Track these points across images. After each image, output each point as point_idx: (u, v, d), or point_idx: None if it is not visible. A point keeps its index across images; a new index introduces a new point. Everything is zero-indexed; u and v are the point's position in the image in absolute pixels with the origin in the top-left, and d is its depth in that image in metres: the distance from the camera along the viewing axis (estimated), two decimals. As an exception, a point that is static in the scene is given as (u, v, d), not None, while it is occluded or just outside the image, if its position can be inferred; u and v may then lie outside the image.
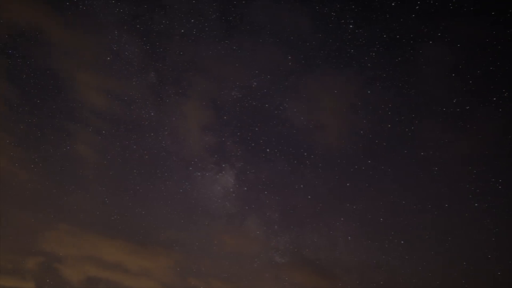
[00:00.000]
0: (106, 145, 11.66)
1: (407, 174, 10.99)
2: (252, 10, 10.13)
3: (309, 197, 11.67)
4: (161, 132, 11.53)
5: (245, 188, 11.95)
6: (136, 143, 11.68)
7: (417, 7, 9.14)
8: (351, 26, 9.80)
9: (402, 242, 11.10)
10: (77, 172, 11.92)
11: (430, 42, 9.35)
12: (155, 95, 11.25)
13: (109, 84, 11.11)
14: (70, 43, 10.58)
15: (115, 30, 10.43)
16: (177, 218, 12.34)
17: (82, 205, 12.05)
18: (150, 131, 11.51)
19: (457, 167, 10.59)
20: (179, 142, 11.72)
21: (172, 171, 11.99)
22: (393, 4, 9.30)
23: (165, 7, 10.14)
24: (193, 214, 12.44)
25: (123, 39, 10.53)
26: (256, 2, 10.06)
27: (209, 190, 12.20)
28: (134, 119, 11.33)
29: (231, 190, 12.02)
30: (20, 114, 11.02)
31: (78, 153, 11.68)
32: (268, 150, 11.41)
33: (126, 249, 12.43)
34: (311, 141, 11.20)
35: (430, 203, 10.84)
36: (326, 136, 11.19)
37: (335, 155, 11.16)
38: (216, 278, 12.37)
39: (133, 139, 11.58)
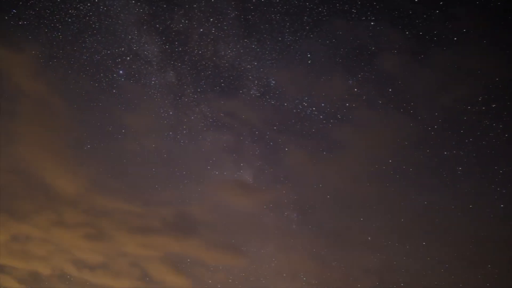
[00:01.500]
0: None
1: (429, 174, 10.77)
2: (271, 8, 10.07)
3: (328, 196, 11.56)
4: (180, 131, 11.59)
5: (263, 187, 11.91)
6: (155, 142, 11.79)
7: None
8: (372, 23, 9.64)
9: (424, 243, 10.89)
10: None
11: (455, 39, 9.12)
12: (173, 94, 11.32)
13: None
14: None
15: (134, 30, 10.55)
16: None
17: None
18: (169, 130, 11.60)
19: (482, 167, 10.32)
20: (197, 141, 11.76)
21: (190, 170, 12.04)
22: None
23: (184, 7, 10.18)
24: (211, 213, 12.49)
25: (143, 39, 10.63)
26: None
27: (227, 189, 12.21)
28: (153, 118, 11.42)
29: (249, 189, 12.00)
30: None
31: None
32: (286, 149, 11.34)
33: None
34: (330, 139, 11.07)
35: (453, 204, 10.59)
36: (346, 135, 11.04)
37: (355, 154, 11.02)
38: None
39: (152, 138, 11.69)
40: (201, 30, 10.39)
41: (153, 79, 11.01)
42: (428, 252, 10.96)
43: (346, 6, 9.55)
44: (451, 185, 10.52)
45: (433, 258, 10.93)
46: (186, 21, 10.34)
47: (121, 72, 10.82)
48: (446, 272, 10.79)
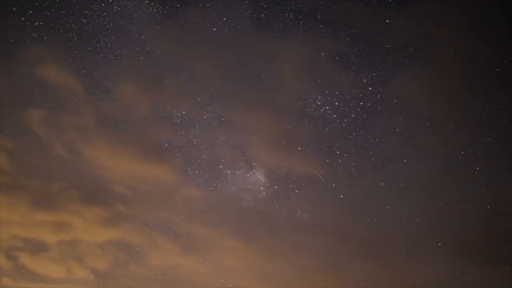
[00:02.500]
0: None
1: (444, 174, 10.61)
2: (284, 6, 10.04)
3: (341, 196, 11.44)
4: (192, 130, 11.59)
5: (276, 187, 11.86)
6: (167, 142, 11.79)
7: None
8: (387, 21, 9.53)
9: (440, 244, 10.71)
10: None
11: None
12: (186, 94, 11.33)
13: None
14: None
15: (148, 30, 10.60)
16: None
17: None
18: (182, 129, 11.61)
19: (499, 167, 10.13)
20: (210, 140, 11.75)
21: (202, 169, 12.04)
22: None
23: (197, 6, 10.18)
24: (223, 212, 12.47)
25: (156, 39, 10.68)
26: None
27: (239, 189, 12.19)
28: (166, 117, 11.45)
29: (262, 188, 11.95)
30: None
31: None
32: (299, 148, 11.27)
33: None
34: (344, 139, 10.97)
35: (470, 204, 10.42)
36: (359, 135, 10.92)
37: (369, 154, 10.90)
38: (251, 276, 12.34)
39: (164, 137, 11.70)
40: (214, 29, 10.41)
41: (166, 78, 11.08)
42: (443, 253, 10.74)
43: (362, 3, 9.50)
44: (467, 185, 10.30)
45: (448, 259, 10.73)
46: (199, 21, 10.35)
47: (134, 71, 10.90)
48: (462, 274, 10.57)
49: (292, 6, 9.99)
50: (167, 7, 10.29)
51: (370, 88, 10.26)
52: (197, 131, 11.51)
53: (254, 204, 11.96)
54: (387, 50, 9.84)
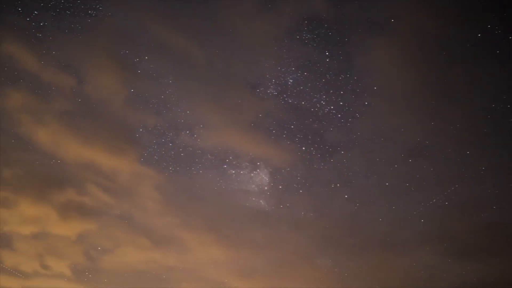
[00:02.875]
0: (142, 143, 11.87)
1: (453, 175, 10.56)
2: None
3: (346, 196, 11.44)
4: (197, 129, 11.60)
5: (280, 187, 11.85)
6: (171, 141, 11.80)
7: None
8: (392, 20, 9.48)
9: (445, 245, 10.69)
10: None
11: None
12: (191, 93, 11.32)
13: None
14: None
15: (153, 29, 10.56)
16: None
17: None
18: (186, 129, 11.61)
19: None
20: (214, 139, 11.75)
21: (206, 169, 12.05)
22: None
23: (204, 4, 10.13)
24: (227, 212, 12.48)
25: (161, 38, 10.66)
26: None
27: (244, 188, 12.19)
28: (170, 117, 11.45)
29: (266, 188, 11.96)
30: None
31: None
32: (304, 148, 11.25)
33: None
34: (348, 139, 10.95)
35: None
36: (364, 134, 10.89)
37: (375, 153, 10.87)
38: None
39: (169, 137, 11.71)
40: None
41: (170, 78, 11.07)
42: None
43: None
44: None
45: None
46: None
47: (138, 71, 10.89)
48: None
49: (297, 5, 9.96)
50: (172, 5, 10.27)
51: (375, 88, 10.23)
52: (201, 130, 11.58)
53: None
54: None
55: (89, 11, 10.04)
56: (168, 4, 10.20)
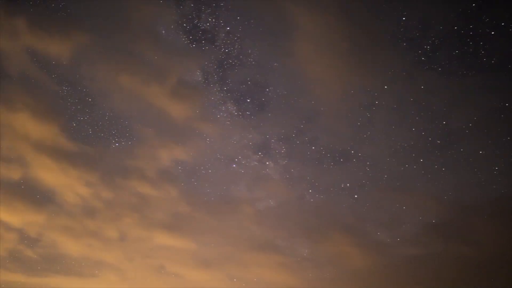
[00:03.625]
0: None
1: (460, 174, 10.43)
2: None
3: (356, 196, 11.37)
4: (206, 129, 11.62)
5: (289, 186, 11.83)
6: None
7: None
8: (403, 19, 9.36)
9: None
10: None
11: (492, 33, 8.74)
12: (200, 93, 11.35)
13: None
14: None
15: (162, 30, 10.62)
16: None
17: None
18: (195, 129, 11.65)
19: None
20: (223, 139, 11.76)
21: (216, 168, 12.08)
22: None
23: (211, 6, 10.15)
24: (235, 211, 12.50)
25: (170, 38, 10.70)
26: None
27: (253, 188, 12.20)
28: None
29: (275, 188, 11.94)
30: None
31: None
32: (313, 147, 11.21)
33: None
34: (358, 138, 10.88)
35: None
36: (374, 133, 10.80)
37: (384, 153, 10.78)
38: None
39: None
40: (228, 28, 10.36)
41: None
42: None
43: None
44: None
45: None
46: (213, 20, 10.32)
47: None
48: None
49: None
50: (181, 7, 10.28)
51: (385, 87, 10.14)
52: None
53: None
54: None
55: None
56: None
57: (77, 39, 10.44)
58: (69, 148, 11.57)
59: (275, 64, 10.51)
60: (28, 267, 12.30)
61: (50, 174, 11.77)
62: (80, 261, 12.62)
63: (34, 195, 12.08)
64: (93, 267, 12.69)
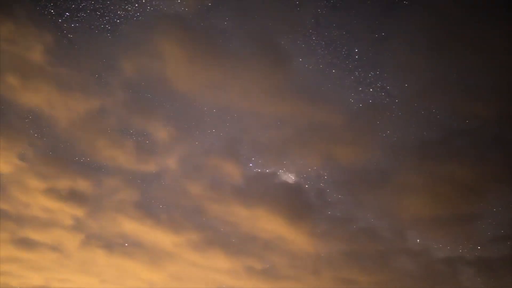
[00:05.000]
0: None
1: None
2: (317, 2, 9.83)
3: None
4: (222, 128, 11.60)
5: (306, 186, 11.73)
6: (198, 139, 11.84)
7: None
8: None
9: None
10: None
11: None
12: (215, 91, 11.31)
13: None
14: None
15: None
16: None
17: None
18: (212, 127, 11.63)
19: None
20: (239, 138, 11.73)
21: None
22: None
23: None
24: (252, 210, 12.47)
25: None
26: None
27: (269, 187, 12.13)
28: (197, 115, 11.50)
29: (292, 187, 11.84)
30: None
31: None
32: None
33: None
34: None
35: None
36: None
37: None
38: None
39: (195, 135, 11.75)
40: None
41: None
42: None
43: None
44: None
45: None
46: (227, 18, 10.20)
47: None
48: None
49: (325, 1, 9.79)
50: (198, 6, 10.19)
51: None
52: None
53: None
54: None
55: (118, 12, 10.17)
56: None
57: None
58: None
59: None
60: None
61: None
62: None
63: None
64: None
